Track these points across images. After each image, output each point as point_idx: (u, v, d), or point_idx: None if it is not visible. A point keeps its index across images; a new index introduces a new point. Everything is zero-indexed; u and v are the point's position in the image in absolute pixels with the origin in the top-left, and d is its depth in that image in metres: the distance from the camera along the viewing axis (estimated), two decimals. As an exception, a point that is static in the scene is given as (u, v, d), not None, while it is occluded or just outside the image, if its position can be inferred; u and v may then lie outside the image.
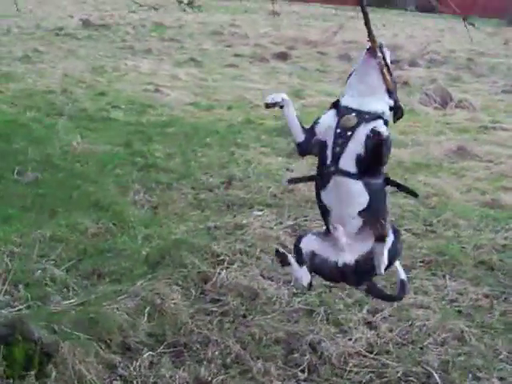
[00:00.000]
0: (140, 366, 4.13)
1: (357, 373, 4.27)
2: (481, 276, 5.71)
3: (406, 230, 6.54)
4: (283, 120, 9.68)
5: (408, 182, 7.91)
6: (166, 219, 6.58)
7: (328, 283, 5.33)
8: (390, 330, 4.75)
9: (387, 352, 4.51)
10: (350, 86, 4.01)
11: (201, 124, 10.42)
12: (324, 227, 4.19)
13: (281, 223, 6.54)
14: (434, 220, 6.89)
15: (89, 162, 8.08)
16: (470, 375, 4.27)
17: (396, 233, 4.12)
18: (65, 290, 5.04)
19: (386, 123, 3.86)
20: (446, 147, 9.63)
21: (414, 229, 6.64)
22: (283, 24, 29.41)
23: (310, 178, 4.26)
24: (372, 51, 3.86)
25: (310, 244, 4.14)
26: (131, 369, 4.09)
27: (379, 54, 3.86)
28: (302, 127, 4.02)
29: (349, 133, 3.80)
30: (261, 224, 6.41)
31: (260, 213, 6.77)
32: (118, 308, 4.65)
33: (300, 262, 4.13)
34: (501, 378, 4.27)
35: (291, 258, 4.15)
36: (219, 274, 5.34)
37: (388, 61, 3.95)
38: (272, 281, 5.39)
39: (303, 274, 4.14)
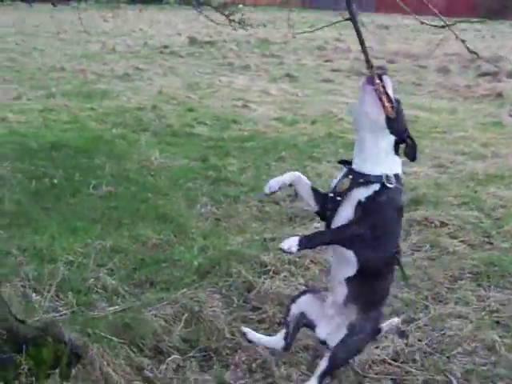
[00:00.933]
0: (167, 368, 4.34)
1: (378, 380, 4.36)
2: (528, 287, 5.67)
3: (461, 241, 6.59)
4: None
5: (477, 194, 7.93)
6: (226, 231, 6.79)
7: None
8: (420, 340, 4.81)
9: (413, 360, 4.57)
10: (354, 122, 3.84)
11: (281, 138, 10.62)
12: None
13: (337, 235, 6.62)
14: (493, 232, 6.85)
15: (162, 176, 8.41)
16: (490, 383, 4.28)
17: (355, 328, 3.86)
18: (114, 297, 5.31)
19: (383, 186, 3.59)
20: (526, 159, 9.52)
21: (471, 240, 6.62)
22: (390, 38, 29.33)
23: None
24: (369, 79, 3.67)
25: (302, 305, 4.11)
26: (157, 371, 4.29)
27: (377, 81, 3.63)
28: (316, 194, 3.83)
29: (338, 198, 3.65)
30: (318, 233, 6.51)
31: (319, 224, 6.88)
32: (155, 314, 4.88)
33: (284, 323, 4.20)
34: (522, 388, 4.27)
35: (255, 336, 4.28)
36: (263, 283, 5.51)
37: (389, 89, 3.69)
38: (316, 291, 5.50)
39: (273, 343, 4.20)
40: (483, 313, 5.25)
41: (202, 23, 32.42)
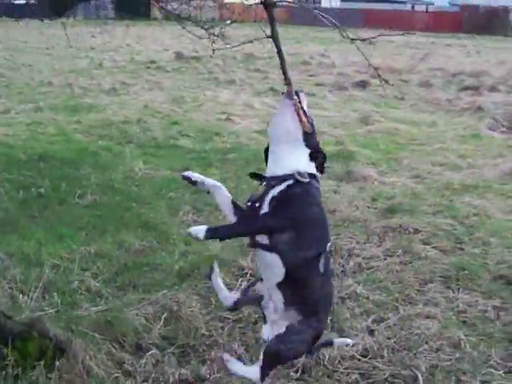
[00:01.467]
0: (146, 363, 4.57)
1: (347, 374, 4.59)
2: (495, 289, 5.92)
3: (434, 247, 6.84)
4: (341, 146, 10.06)
5: (452, 203, 8.20)
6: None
7: (341, 294, 5.73)
8: (388, 338, 5.04)
9: (381, 356, 4.80)
10: (269, 135, 3.87)
11: (262, 150, 10.80)
12: None
13: (313, 241, 6.85)
14: (466, 238, 7.10)
15: (146, 186, 8.65)
16: (454, 378, 4.51)
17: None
18: (98, 299, 5.52)
19: (297, 181, 3.66)
20: (501, 169, 9.80)
21: (443, 246, 6.86)
22: (375, 53, 29.61)
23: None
24: (287, 93, 3.81)
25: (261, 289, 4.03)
26: (137, 365, 4.52)
27: (295, 97, 3.79)
28: (235, 207, 3.82)
29: (256, 204, 3.68)
30: (293, 241, 6.75)
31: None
32: (137, 314, 5.11)
33: (241, 290, 4.24)
34: (484, 382, 4.49)
35: (216, 278, 4.12)
36: (240, 285, 5.74)
37: (304, 105, 3.85)
38: (289, 292, 5.74)
39: (224, 297, 4.13)
40: (451, 313, 5.49)
41: (189, 39, 32.74)
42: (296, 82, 18.78)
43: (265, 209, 3.64)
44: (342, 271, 6.30)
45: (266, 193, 3.67)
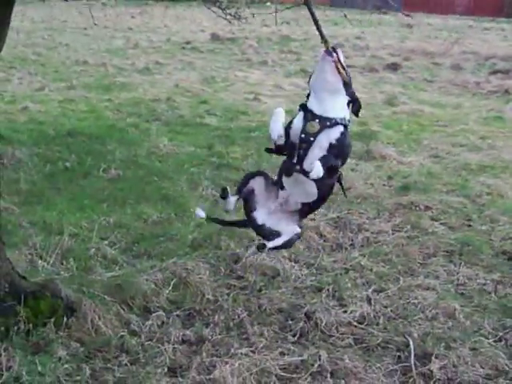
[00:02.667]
0: (152, 324, 4.85)
1: (341, 339, 4.83)
2: (496, 264, 6.11)
3: (442, 223, 7.04)
4: (365, 126, 10.22)
5: (467, 182, 8.35)
6: (223, 211, 7.25)
7: (345, 266, 5.97)
8: (386, 306, 5.26)
9: (377, 324, 5.03)
10: (312, 86, 4.41)
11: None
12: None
13: (325, 215, 7.09)
14: (475, 216, 7.28)
15: (169, 161, 8.93)
16: (444, 344, 4.71)
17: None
18: (113, 265, 5.82)
19: (345, 127, 4.32)
20: (520, 151, 9.92)
21: (452, 222, 7.06)
22: (411, 36, 29.67)
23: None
24: (327, 51, 4.31)
25: (256, 185, 4.68)
26: (143, 326, 4.80)
27: (334, 54, 4.29)
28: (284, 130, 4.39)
29: (311, 138, 4.25)
30: (305, 215, 6.97)
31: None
32: (147, 279, 5.40)
33: (237, 191, 4.73)
34: (473, 349, 4.68)
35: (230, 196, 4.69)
36: (249, 255, 6.00)
37: (342, 59, 4.32)
38: (296, 262, 6.01)
39: (231, 203, 4.70)
40: (450, 285, 5.70)
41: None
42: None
43: (322, 149, 4.24)
44: (351, 244, 6.52)
45: (320, 131, 4.24)
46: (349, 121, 4.36)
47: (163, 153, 9.33)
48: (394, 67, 18.94)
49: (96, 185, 7.93)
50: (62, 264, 5.74)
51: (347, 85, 4.34)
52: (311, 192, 4.45)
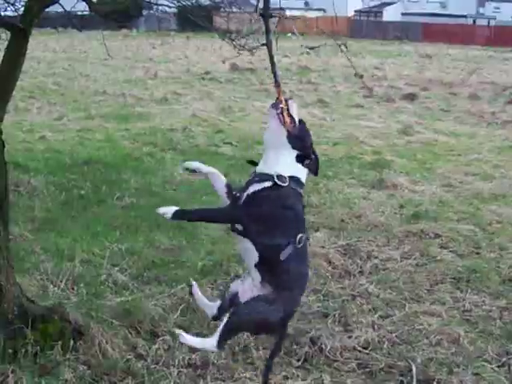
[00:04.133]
0: (159, 348, 4.92)
1: (345, 363, 4.88)
2: (503, 291, 6.16)
3: (451, 250, 7.09)
4: (379, 155, 10.31)
5: (478, 211, 8.39)
6: (233, 238, 7.34)
7: (352, 293, 6.03)
8: (391, 332, 5.31)
9: (380, 349, 5.08)
10: (264, 143, 4.20)
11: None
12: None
13: (335, 243, 7.16)
14: (484, 243, 7.32)
15: (183, 190, 9.04)
16: (446, 369, 4.76)
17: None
18: (123, 291, 5.91)
19: (276, 184, 3.93)
20: (533, 180, 9.97)
21: (460, 250, 7.11)
22: (430, 67, 29.83)
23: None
24: (274, 103, 4.07)
25: (237, 285, 4.34)
26: (149, 350, 4.88)
27: (281, 105, 4.02)
28: (229, 191, 4.13)
29: (238, 194, 3.99)
30: (315, 243, 7.05)
31: (318, 234, 7.43)
32: (155, 304, 5.48)
33: (221, 297, 4.51)
34: (475, 374, 4.73)
35: (197, 293, 4.45)
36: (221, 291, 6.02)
37: (293, 111, 4.09)
38: (304, 289, 6.05)
39: (208, 307, 4.40)
40: (455, 311, 5.74)
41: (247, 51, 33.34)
42: (345, 93, 19.19)
43: (241, 201, 3.98)
44: (360, 271, 6.57)
45: (246, 187, 4.00)
46: (293, 177, 4.03)
47: (177, 181, 9.46)
48: (411, 97, 19.07)
49: (110, 212, 8.05)
50: (73, 289, 5.84)
51: (294, 138, 4.05)
52: (249, 247, 4.03)
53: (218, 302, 4.35)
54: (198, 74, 24.06)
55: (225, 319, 4.06)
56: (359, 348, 5.08)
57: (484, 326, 5.48)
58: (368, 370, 4.82)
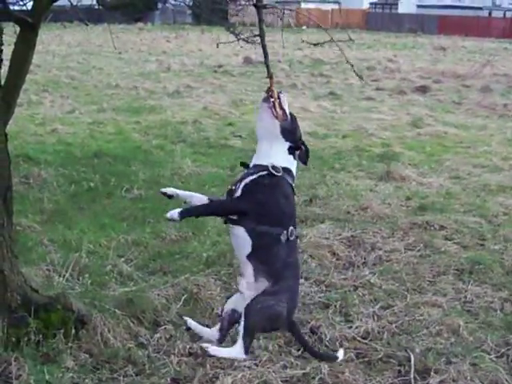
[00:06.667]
0: (160, 337, 4.98)
1: (344, 353, 4.91)
2: (505, 282, 6.18)
3: (455, 242, 7.11)
4: (388, 147, 10.36)
5: (484, 203, 8.40)
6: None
7: (355, 283, 6.08)
8: (391, 322, 5.35)
9: (380, 339, 5.12)
10: (256, 136, 4.44)
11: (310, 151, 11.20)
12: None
13: (339, 234, 7.20)
14: (489, 235, 7.34)
15: (191, 182, 9.10)
16: (444, 359, 4.79)
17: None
18: (128, 281, 5.98)
19: (270, 174, 4.18)
20: (543, 173, 9.98)
21: (465, 242, 7.13)
22: (444, 59, 29.76)
23: None
24: (265, 97, 4.34)
25: (232, 303, 4.55)
26: (152, 339, 4.94)
27: (272, 99, 4.29)
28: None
29: (233, 187, 4.27)
30: (319, 234, 7.10)
31: (323, 225, 7.47)
32: (158, 294, 5.55)
33: (219, 319, 4.68)
34: (473, 364, 4.75)
35: (195, 325, 4.70)
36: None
37: (284, 104, 4.36)
38: (307, 280, 6.10)
39: (209, 334, 4.61)
40: (456, 302, 5.77)
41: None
42: (357, 86, 19.18)
43: (238, 192, 4.20)
44: (363, 263, 6.62)
45: (242, 179, 4.21)
46: (286, 168, 4.28)
47: (186, 173, 9.53)
48: (422, 90, 19.06)
49: (118, 204, 8.13)
50: (78, 279, 5.90)
51: (287, 130, 4.31)
52: (242, 236, 4.23)
53: (218, 325, 4.57)
54: (211, 67, 24.14)
55: (241, 325, 4.24)
56: (359, 338, 5.12)
57: (484, 317, 5.50)
58: (366, 359, 4.85)
